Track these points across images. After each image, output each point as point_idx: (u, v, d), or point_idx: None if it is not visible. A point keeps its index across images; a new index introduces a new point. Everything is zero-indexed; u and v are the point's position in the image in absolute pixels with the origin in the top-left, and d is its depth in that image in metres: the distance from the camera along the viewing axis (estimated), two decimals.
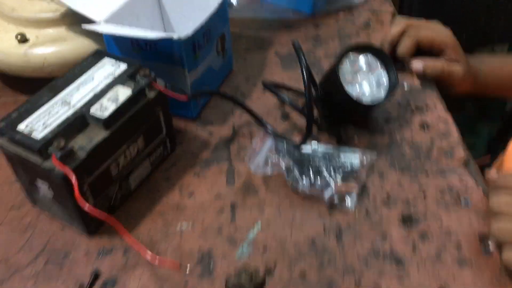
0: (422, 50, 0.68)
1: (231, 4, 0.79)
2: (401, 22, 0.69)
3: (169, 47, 0.57)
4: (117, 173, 0.52)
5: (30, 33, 0.65)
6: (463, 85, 0.70)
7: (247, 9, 0.81)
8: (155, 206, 0.55)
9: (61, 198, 0.50)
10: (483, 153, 1.51)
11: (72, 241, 0.53)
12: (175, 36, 0.56)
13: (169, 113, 0.57)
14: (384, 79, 0.60)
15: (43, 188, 0.50)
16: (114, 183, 0.53)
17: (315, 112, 0.61)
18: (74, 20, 0.65)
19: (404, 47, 0.67)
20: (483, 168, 0.94)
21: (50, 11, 0.66)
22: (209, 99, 0.68)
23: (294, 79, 0.70)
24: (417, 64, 0.68)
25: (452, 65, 0.67)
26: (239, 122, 0.65)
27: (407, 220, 0.52)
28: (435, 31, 0.68)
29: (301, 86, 0.64)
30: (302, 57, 0.54)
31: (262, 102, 0.67)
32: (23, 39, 0.64)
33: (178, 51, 0.57)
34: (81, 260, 0.51)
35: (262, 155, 0.58)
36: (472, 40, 1.25)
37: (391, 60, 0.59)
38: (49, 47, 0.64)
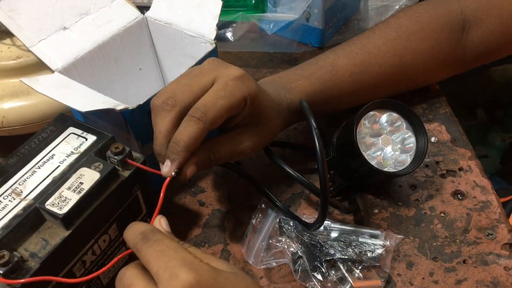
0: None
1: (226, 37, 0.69)
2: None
3: (119, 118, 0.46)
4: (83, 273, 0.42)
5: None
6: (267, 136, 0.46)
7: (245, 42, 0.70)
8: None
9: None
10: (497, 166, 1.41)
11: None
12: (118, 107, 0.44)
13: (150, 188, 0.47)
14: (410, 142, 0.49)
15: None
16: (79, 286, 0.43)
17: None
18: (40, 69, 0.55)
19: (188, 137, 0.40)
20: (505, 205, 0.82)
21: (10, 58, 0.55)
22: None
23: (301, 130, 0.59)
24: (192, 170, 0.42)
25: (232, 145, 0.44)
26: (236, 188, 0.54)
27: None
28: (228, 96, 0.41)
29: (309, 142, 0.55)
30: (313, 124, 0.44)
31: (263, 161, 0.56)
32: None
33: (129, 121, 0.46)
34: None
35: (263, 238, 0.48)
36: None
37: (419, 119, 0.49)
38: (9, 102, 0.54)
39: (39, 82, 0.47)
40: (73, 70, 0.52)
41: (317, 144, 0.43)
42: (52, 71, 0.50)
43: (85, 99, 0.46)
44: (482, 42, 0.57)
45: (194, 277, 0.30)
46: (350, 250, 0.46)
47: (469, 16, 0.56)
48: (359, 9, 0.74)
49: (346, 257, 0.45)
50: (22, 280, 0.35)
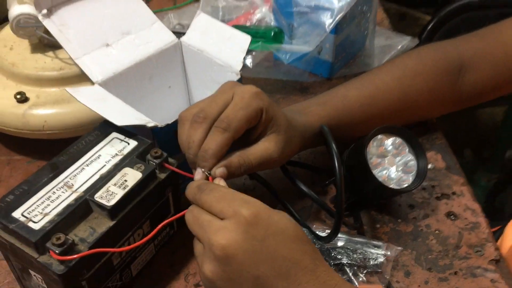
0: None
1: (246, 65, 0.76)
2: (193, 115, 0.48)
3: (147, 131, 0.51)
4: (119, 262, 0.47)
5: (30, 91, 0.61)
6: (286, 155, 0.52)
7: (260, 69, 0.77)
8: None
9: None
10: (482, 205, 1.48)
11: None
12: (149, 124, 0.50)
13: (178, 192, 0.53)
14: (412, 164, 0.56)
15: (36, 278, 0.45)
16: (114, 273, 0.47)
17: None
18: (79, 80, 0.61)
19: (216, 145, 0.46)
20: None
21: (53, 69, 0.61)
22: None
23: (311, 150, 0.65)
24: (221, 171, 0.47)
25: (257, 149, 0.49)
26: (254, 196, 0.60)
27: None
28: (246, 107, 0.47)
29: (320, 162, 0.61)
30: (334, 149, 0.50)
31: (277, 174, 0.62)
32: (22, 99, 0.59)
33: (157, 137, 0.52)
34: None
35: None
36: None
37: (421, 144, 0.55)
38: (50, 109, 0.60)
39: (81, 93, 0.53)
40: (111, 84, 0.58)
41: (337, 169, 0.49)
42: (92, 83, 0.56)
43: (120, 113, 0.52)
44: (476, 85, 0.64)
45: (252, 212, 0.40)
46: (356, 256, 0.51)
47: (465, 61, 0.64)
48: (365, 47, 0.82)
49: (352, 262, 0.51)
50: (75, 256, 0.40)
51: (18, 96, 0.59)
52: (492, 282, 0.51)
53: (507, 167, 1.61)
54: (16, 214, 0.43)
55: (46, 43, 0.64)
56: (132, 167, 0.47)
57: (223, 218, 0.40)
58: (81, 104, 0.59)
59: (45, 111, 0.60)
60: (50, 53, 0.63)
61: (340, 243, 0.53)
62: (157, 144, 0.53)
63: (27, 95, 0.60)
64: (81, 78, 0.61)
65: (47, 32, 0.59)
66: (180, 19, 0.82)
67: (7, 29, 0.65)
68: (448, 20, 1.14)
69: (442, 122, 0.69)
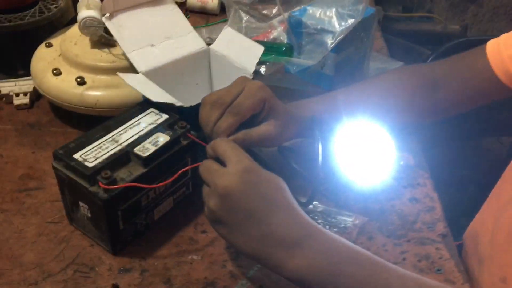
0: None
1: (259, 72, 0.91)
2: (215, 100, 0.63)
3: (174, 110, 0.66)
4: (146, 204, 0.62)
5: (88, 77, 0.77)
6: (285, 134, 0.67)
7: (272, 77, 0.92)
8: (172, 237, 0.65)
9: (97, 219, 0.59)
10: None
11: (98, 257, 0.62)
12: (177, 103, 0.65)
13: (196, 160, 0.67)
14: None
15: (83, 209, 0.60)
16: (141, 213, 0.62)
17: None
18: (126, 71, 0.77)
19: (227, 124, 0.62)
20: None
21: (107, 61, 0.78)
22: None
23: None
24: None
25: (259, 129, 0.64)
26: None
27: None
28: (252, 97, 0.62)
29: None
30: (318, 136, 0.65)
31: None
32: (81, 82, 0.76)
33: (182, 115, 0.66)
34: (104, 275, 0.60)
35: None
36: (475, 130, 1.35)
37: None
38: (102, 91, 0.76)
39: (129, 78, 0.69)
40: (152, 75, 0.73)
41: (320, 151, 0.63)
42: (137, 73, 0.72)
43: (157, 94, 0.68)
44: (447, 98, 0.78)
45: (251, 164, 0.54)
46: (330, 219, 0.65)
47: (438, 79, 0.78)
48: (363, 68, 0.97)
49: (326, 223, 0.64)
50: (116, 186, 0.56)
51: (79, 80, 0.76)
52: (436, 249, 0.64)
53: None
54: (76, 156, 0.58)
55: (103, 42, 0.80)
56: (163, 132, 0.62)
57: (228, 163, 0.54)
58: (126, 89, 0.76)
59: (98, 93, 0.76)
60: (105, 50, 0.80)
61: (319, 209, 0.67)
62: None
63: (85, 79, 0.76)
64: (127, 70, 0.77)
65: (105, 32, 0.77)
66: (210, 34, 0.98)
67: (73, 29, 0.82)
68: (446, 54, 1.29)
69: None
